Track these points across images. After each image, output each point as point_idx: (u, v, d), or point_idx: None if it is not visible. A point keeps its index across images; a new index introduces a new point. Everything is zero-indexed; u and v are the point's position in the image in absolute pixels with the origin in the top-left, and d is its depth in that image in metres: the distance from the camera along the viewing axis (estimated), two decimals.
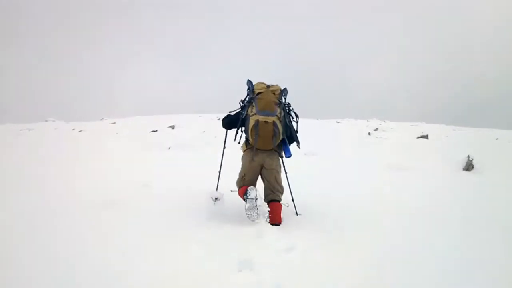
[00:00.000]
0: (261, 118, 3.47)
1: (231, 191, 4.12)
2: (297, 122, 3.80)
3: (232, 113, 3.92)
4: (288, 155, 3.70)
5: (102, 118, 21.90)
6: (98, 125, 17.38)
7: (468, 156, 6.72)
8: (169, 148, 9.86)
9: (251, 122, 3.53)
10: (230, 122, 3.92)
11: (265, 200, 3.67)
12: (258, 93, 3.66)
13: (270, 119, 3.48)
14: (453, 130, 16.67)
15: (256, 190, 3.45)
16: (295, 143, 3.80)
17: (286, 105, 3.73)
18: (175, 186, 5.01)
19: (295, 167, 6.64)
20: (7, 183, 5.07)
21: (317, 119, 21.71)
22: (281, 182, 3.76)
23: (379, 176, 6.14)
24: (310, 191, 4.86)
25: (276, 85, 3.73)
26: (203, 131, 12.39)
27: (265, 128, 3.47)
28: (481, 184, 5.61)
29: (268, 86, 3.71)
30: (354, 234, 3.27)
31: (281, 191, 3.74)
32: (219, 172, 4.32)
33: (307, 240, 3.02)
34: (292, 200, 3.95)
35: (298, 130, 3.79)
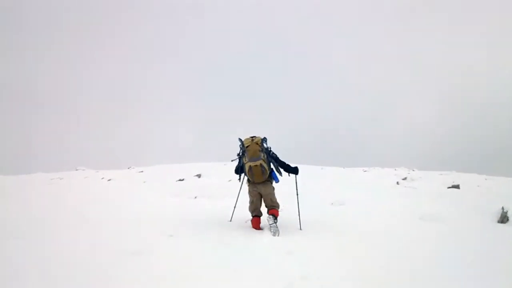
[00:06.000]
0: (252, 163, 5.33)
1: (246, 221, 5.86)
2: (277, 159, 5.62)
3: (235, 161, 5.81)
4: (277, 181, 5.59)
5: (130, 167, 22.50)
6: (126, 174, 17.80)
7: (503, 208, 6.46)
8: (196, 197, 9.97)
9: (246, 167, 5.42)
10: (238, 170, 5.86)
11: (267, 209, 5.54)
12: (247, 146, 5.40)
13: (258, 162, 5.32)
14: (485, 179, 16.13)
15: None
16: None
17: (268, 148, 5.57)
18: (202, 236, 5.01)
19: (322, 217, 6.62)
20: (44, 229, 5.22)
21: (343, 168, 21.58)
22: (276, 200, 5.63)
23: (412, 228, 5.96)
24: (339, 243, 4.80)
25: (258, 136, 5.55)
26: (229, 180, 12.50)
27: (255, 169, 5.34)
28: None
29: (252, 139, 5.45)
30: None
31: (277, 206, 5.60)
32: (235, 203, 6.20)
33: None
34: (299, 215, 5.85)
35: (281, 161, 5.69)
